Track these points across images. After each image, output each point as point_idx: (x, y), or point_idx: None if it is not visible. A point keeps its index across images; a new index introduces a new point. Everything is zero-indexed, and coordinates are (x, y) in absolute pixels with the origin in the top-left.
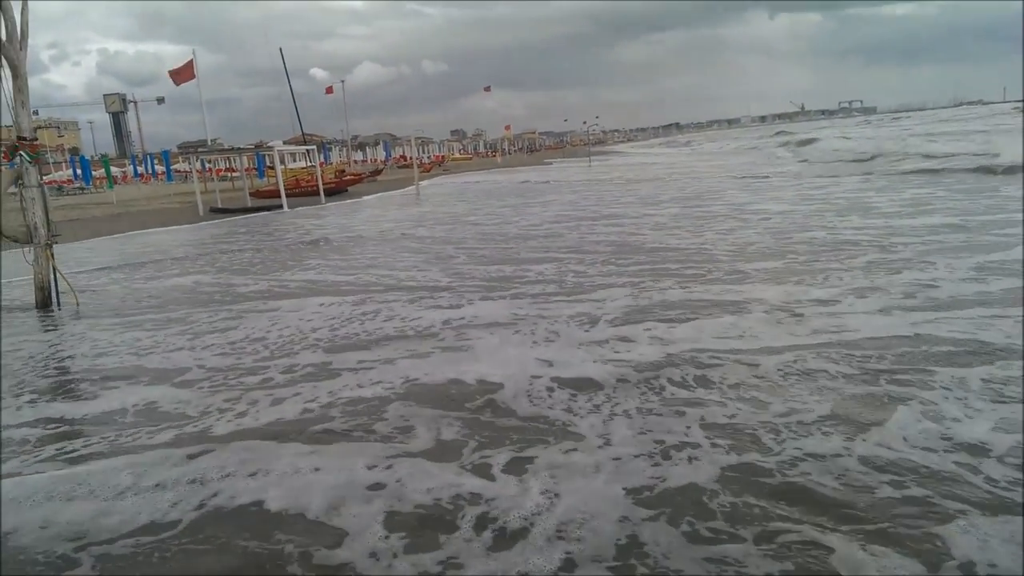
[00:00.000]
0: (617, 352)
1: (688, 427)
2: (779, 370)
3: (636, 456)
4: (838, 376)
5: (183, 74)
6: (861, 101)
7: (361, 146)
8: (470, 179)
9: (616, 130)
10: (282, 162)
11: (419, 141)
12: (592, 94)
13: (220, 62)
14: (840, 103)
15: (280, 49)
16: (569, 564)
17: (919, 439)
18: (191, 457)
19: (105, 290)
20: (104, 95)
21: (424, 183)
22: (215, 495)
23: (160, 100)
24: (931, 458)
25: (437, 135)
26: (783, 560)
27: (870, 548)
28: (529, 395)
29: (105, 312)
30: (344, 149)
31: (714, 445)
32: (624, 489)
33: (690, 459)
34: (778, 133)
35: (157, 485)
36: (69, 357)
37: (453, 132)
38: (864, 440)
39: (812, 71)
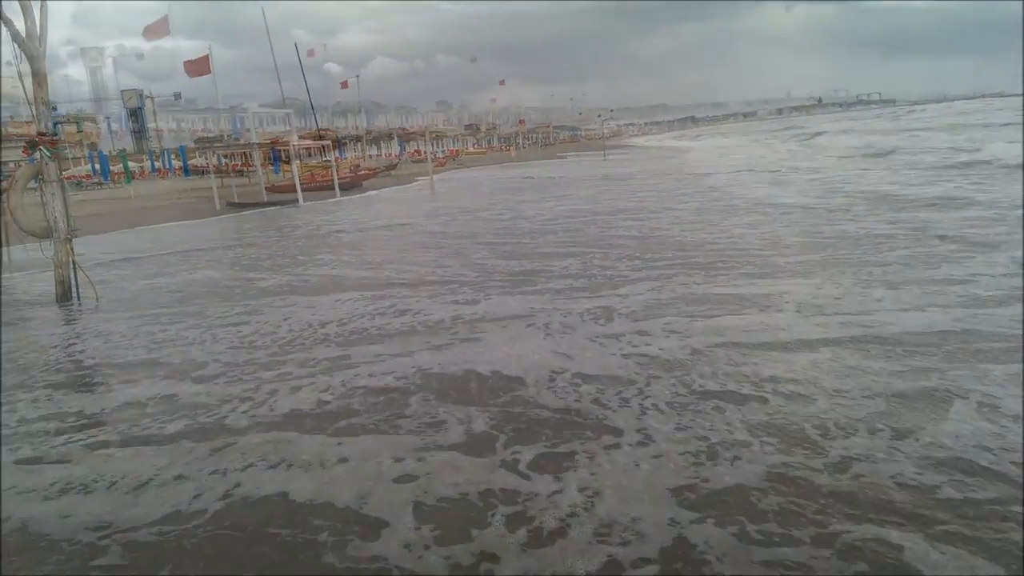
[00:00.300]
0: (647, 346)
1: (729, 423)
2: (819, 365)
3: (680, 454)
4: (882, 372)
5: (198, 68)
6: (879, 94)
7: (376, 140)
8: (483, 174)
9: (631, 124)
10: (297, 157)
11: (433, 135)
12: (607, 88)
13: (235, 57)
14: (858, 95)
15: (295, 45)
16: (614, 566)
17: (976, 438)
18: (214, 450)
19: (124, 284)
20: (122, 91)
21: (437, 177)
22: (238, 485)
23: (177, 96)
24: (990, 458)
25: (451, 129)
26: (849, 560)
27: (941, 548)
28: (554, 388)
29: (124, 306)
30: (358, 144)
31: (760, 442)
32: (668, 489)
33: (735, 457)
34: (788, 128)
35: (179, 476)
36: (88, 350)
37: (467, 126)
38: (918, 439)
39: (830, 63)
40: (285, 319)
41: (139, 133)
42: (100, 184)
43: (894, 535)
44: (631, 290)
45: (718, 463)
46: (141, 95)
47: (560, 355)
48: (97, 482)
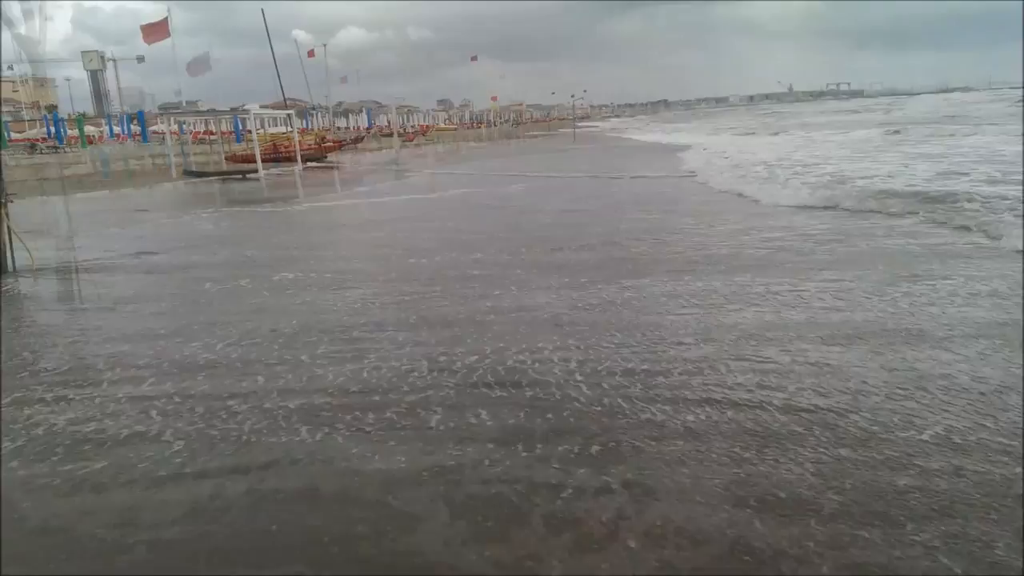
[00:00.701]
0: (675, 340)
1: (776, 418)
2: (861, 359)
3: (729, 449)
4: (930, 362)
5: (156, 32)
6: (848, 83)
7: (345, 113)
8: (488, 165)
9: (604, 105)
10: (261, 127)
11: (404, 109)
12: (580, 67)
13: (198, 20)
14: (828, 84)
15: (262, 11)
16: (668, 569)
17: None
18: (228, 444)
19: (64, 252)
20: (82, 52)
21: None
22: (262, 481)
23: (140, 59)
24: None
25: (423, 104)
26: (936, 560)
27: None
28: (583, 382)
29: (63, 274)
30: (326, 115)
31: (813, 437)
32: (722, 488)
33: (784, 455)
34: (791, 121)
35: (198, 474)
36: (40, 328)
37: (440, 101)
38: (975, 434)
39: (801, 52)
40: (237, 284)
41: (100, 96)
42: (55, 148)
43: (977, 532)
44: (651, 281)
45: (766, 458)
46: (103, 57)
47: (585, 347)
48: (111, 481)
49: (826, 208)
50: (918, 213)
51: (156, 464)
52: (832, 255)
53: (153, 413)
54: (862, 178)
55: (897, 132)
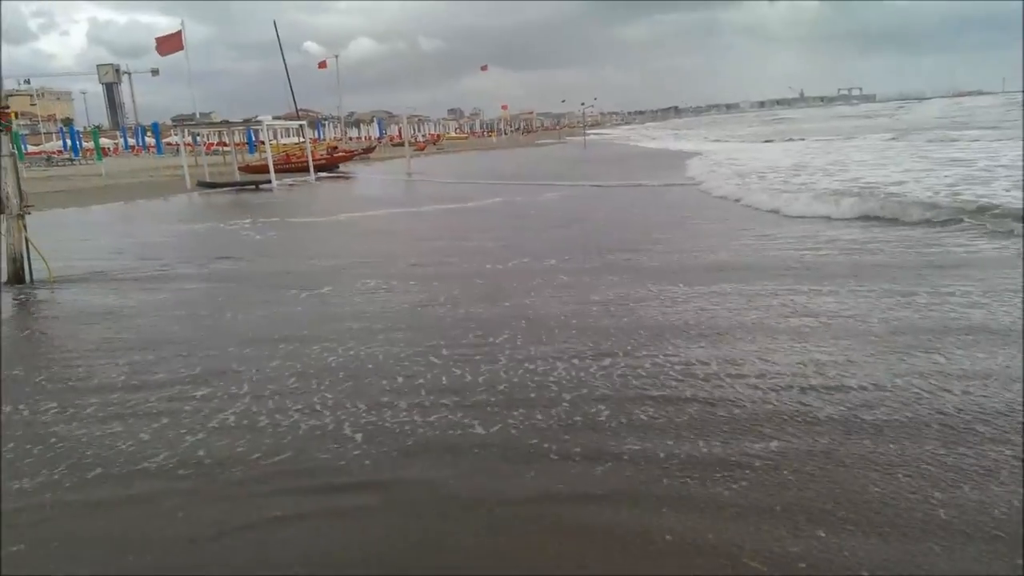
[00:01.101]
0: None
1: (828, 422)
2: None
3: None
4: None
5: (170, 44)
6: (860, 88)
7: (357, 123)
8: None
9: (614, 112)
10: (273, 138)
11: (415, 119)
12: (590, 75)
13: (211, 34)
14: (839, 90)
15: (274, 22)
16: None
17: None
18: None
19: (80, 263)
20: (97, 65)
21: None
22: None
23: (154, 72)
24: None
25: (434, 113)
26: None
27: None
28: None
29: (80, 284)
30: (338, 126)
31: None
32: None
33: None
34: (802, 125)
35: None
36: (54, 333)
37: (451, 111)
38: None
39: (811, 57)
40: (263, 302)
41: (115, 109)
42: (71, 160)
43: None
44: (758, 287)
45: (830, 467)
46: (117, 70)
47: (720, 354)
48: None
49: (865, 218)
50: (962, 220)
51: (322, 468)
52: (892, 265)
53: (309, 414)
54: (886, 185)
55: (906, 138)
